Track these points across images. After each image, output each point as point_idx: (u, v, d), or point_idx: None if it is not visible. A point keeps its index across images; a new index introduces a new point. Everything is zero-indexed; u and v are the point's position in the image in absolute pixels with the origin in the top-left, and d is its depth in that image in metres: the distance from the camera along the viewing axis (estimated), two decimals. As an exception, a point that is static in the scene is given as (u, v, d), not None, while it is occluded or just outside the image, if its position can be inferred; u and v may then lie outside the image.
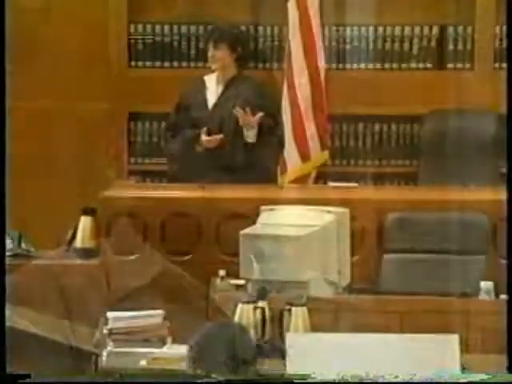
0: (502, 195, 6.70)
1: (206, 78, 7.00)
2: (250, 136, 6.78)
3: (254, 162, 6.83)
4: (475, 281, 5.72)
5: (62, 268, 6.40)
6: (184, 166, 6.94)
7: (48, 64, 7.76)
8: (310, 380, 3.99)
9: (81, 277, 6.30)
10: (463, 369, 5.00)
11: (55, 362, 5.31)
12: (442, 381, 3.55)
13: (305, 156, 7.63)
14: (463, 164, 7.45)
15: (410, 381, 3.35)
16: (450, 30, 7.75)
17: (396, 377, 3.83)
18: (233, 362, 3.62)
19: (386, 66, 7.77)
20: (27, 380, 3.06)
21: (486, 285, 5.65)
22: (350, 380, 3.62)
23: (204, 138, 6.80)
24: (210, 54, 6.94)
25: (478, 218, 6.21)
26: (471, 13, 7.73)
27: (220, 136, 6.77)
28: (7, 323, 5.17)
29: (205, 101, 6.96)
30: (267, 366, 5.01)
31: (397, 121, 7.76)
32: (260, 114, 6.72)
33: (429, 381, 3.43)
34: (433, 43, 7.75)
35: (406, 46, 7.77)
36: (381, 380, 3.41)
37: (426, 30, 7.74)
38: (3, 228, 2.52)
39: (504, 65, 7.71)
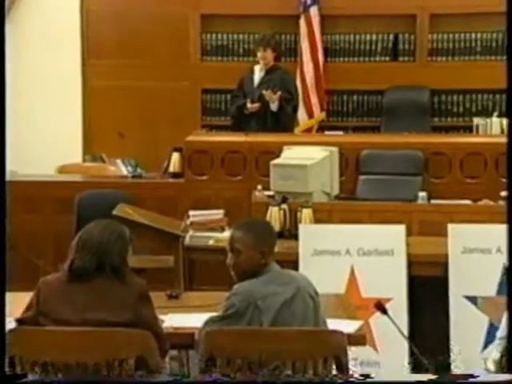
0: (431, 139, 6.68)
1: (255, 67, 6.94)
2: (273, 107, 6.72)
3: (276, 123, 6.78)
4: (415, 191, 5.69)
5: (162, 184, 6.44)
6: (237, 121, 6.92)
7: (150, 59, 7.72)
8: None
9: (173, 189, 6.33)
10: (407, 245, 5.01)
11: (155, 241, 5.34)
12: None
13: (310, 115, 7.61)
14: (408, 120, 7.41)
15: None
16: (400, 36, 7.66)
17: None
18: (270, 237, 3.64)
19: (361, 59, 7.69)
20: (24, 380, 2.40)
21: (421, 194, 5.63)
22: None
23: (249, 105, 6.77)
24: (260, 53, 6.85)
25: (416, 153, 6.17)
26: (413, 26, 7.64)
27: (258, 104, 6.74)
28: (124, 216, 5.20)
29: (252, 81, 6.89)
30: (287, 245, 5.03)
31: (368, 93, 7.71)
32: (279, 93, 6.66)
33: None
34: (390, 44, 7.67)
35: (373, 46, 7.68)
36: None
37: (385, 36, 7.65)
38: (3, 227, 2.13)
39: (434, 58, 7.65)
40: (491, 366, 3.38)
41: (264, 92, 6.68)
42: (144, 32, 7.68)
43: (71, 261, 3.46)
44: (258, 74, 6.90)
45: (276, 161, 5.61)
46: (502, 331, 3.45)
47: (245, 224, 3.67)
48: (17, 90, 7.72)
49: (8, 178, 6.73)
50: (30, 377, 2.19)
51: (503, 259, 4.89)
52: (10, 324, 3.48)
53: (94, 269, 3.43)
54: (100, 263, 3.44)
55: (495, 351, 3.41)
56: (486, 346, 4.73)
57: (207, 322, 3.48)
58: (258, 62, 6.94)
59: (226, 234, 5.19)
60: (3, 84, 2.28)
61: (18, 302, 3.63)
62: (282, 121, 6.80)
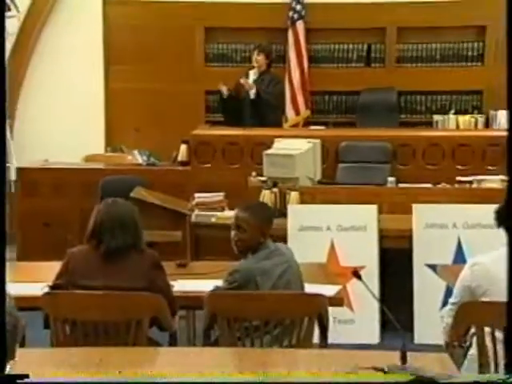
0: (398, 133, 6.66)
1: (250, 71, 6.88)
2: (251, 94, 6.64)
3: (256, 111, 6.67)
4: (385, 177, 5.67)
5: (172, 170, 6.42)
6: (229, 115, 6.87)
7: (162, 65, 7.67)
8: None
9: (181, 175, 6.31)
10: (379, 222, 5.00)
11: (166, 219, 5.31)
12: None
13: (297, 112, 7.54)
14: (379, 117, 7.35)
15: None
16: (373, 46, 7.61)
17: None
18: (270, 220, 3.64)
19: (340, 65, 7.63)
20: (26, 380, 2.06)
21: (390, 179, 5.61)
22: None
23: (224, 91, 6.72)
24: (254, 57, 6.84)
25: (386, 145, 6.16)
26: (383, 37, 7.59)
27: (228, 88, 6.67)
28: (140, 197, 5.16)
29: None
30: (277, 222, 4.98)
31: (345, 94, 7.64)
32: (250, 82, 6.64)
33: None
34: (364, 53, 7.62)
35: (350, 55, 7.63)
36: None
37: (360, 46, 7.61)
38: (3, 223, 1.92)
39: (401, 64, 7.61)
40: (446, 326, 3.38)
41: (242, 81, 6.62)
42: (157, 42, 7.63)
43: (106, 241, 3.41)
44: (252, 76, 6.87)
45: (268, 151, 5.59)
46: (454, 297, 3.43)
47: (251, 207, 3.66)
48: (49, 91, 7.69)
49: (41, 165, 6.77)
50: (31, 377, 2.07)
51: (458, 233, 4.91)
52: (45, 289, 3.48)
53: (130, 245, 3.41)
54: (126, 239, 3.42)
55: (447, 316, 3.40)
56: (443, 305, 4.72)
57: (214, 291, 3.47)
58: (253, 67, 6.91)
59: (226, 213, 5.18)
60: (3, 83, 2.11)
61: (50, 270, 3.62)
62: (261, 111, 6.68)
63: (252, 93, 6.66)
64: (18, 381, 1.95)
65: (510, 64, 2.54)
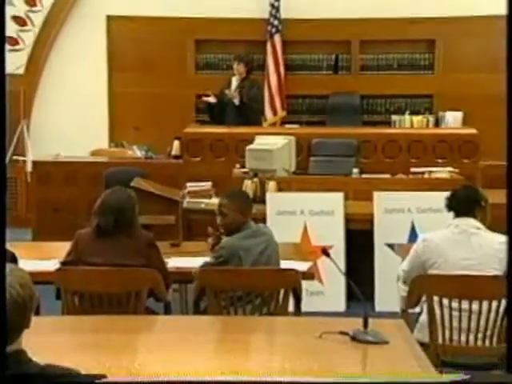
0: (362, 130, 6.65)
1: (232, 78, 6.78)
2: (236, 102, 6.52)
3: (240, 114, 6.54)
4: (350, 168, 5.66)
5: (167, 163, 6.38)
6: (217, 115, 6.70)
7: (158, 72, 7.61)
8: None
9: (174, 167, 6.28)
10: (345, 207, 4.99)
11: (161, 205, 5.28)
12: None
13: (275, 113, 7.51)
14: (345, 117, 7.33)
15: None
16: (340, 56, 7.59)
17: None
18: (247, 202, 3.64)
19: (312, 72, 7.59)
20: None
21: (355, 170, 5.60)
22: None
23: (204, 98, 6.66)
24: (235, 67, 6.75)
25: (351, 141, 6.14)
26: (349, 48, 7.57)
27: (212, 98, 6.55)
28: (139, 186, 5.13)
29: (230, 87, 6.77)
30: (257, 208, 4.97)
31: (316, 97, 7.61)
32: (235, 92, 6.47)
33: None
34: (332, 62, 7.60)
35: (320, 63, 7.61)
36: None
37: (328, 56, 7.59)
38: (3, 219, 1.82)
39: (364, 72, 7.60)
40: (402, 297, 3.40)
41: (227, 91, 6.57)
42: (154, 52, 7.58)
43: (98, 222, 3.41)
44: (234, 82, 6.81)
45: (250, 146, 5.57)
46: (406, 265, 3.46)
47: (229, 194, 3.66)
48: (60, 94, 7.62)
49: (54, 159, 6.71)
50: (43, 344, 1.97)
51: (412, 217, 4.93)
52: (56, 265, 3.45)
53: (114, 226, 3.39)
54: (119, 221, 3.40)
55: (401, 280, 3.43)
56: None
57: (203, 266, 3.46)
58: (235, 74, 6.86)
59: (214, 200, 5.16)
60: (3, 83, 2.04)
61: (61, 249, 3.60)
62: (243, 115, 6.56)
63: (236, 100, 6.61)
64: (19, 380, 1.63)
65: (509, 66, 2.45)
